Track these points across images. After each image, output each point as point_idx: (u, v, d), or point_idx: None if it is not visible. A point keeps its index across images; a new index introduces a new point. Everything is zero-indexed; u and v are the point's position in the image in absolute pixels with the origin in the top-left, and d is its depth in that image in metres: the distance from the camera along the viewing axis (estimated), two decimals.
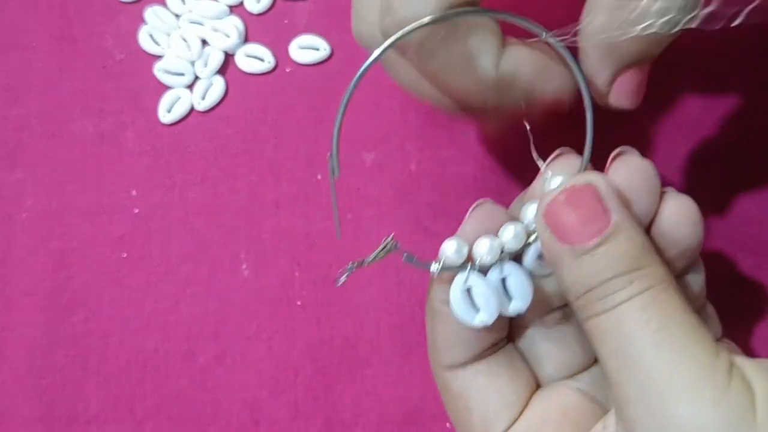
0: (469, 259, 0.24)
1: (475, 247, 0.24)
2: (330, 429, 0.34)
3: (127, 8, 0.42)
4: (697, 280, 0.27)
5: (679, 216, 0.24)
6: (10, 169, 0.39)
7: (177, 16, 0.41)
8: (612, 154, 0.25)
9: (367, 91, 0.39)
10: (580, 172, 0.24)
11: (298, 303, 0.36)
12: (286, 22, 0.41)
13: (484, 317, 0.24)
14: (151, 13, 0.41)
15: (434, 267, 0.24)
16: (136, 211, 0.38)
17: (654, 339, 0.20)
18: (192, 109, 0.40)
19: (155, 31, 0.41)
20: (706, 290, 0.28)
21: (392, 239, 0.25)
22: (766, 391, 0.20)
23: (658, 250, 0.24)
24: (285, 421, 0.34)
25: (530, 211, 0.24)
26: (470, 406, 0.25)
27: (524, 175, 0.37)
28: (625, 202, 0.23)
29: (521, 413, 0.25)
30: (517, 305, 0.24)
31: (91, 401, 0.35)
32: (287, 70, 0.40)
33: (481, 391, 0.25)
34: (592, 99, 0.25)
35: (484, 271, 0.24)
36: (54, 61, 0.41)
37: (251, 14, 0.41)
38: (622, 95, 0.25)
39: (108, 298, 0.37)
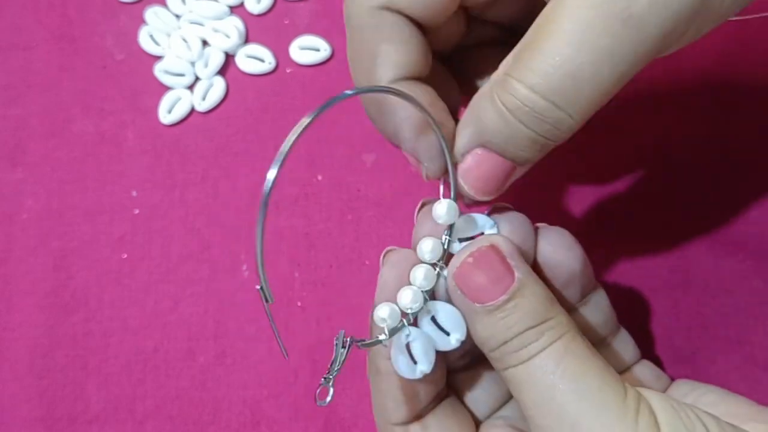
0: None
1: (399, 301, 0.25)
2: (330, 429, 0.34)
3: (127, 8, 0.42)
4: (600, 305, 0.28)
5: (554, 245, 0.26)
6: (10, 169, 0.39)
7: (177, 16, 0.41)
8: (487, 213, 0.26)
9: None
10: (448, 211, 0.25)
11: (298, 303, 0.36)
12: (286, 22, 0.41)
13: (424, 367, 0.25)
14: (151, 13, 0.41)
15: (384, 339, 0.25)
16: (137, 211, 0.38)
17: (573, 388, 0.22)
18: (192, 110, 0.40)
19: (155, 32, 0.41)
20: (615, 316, 0.29)
21: (343, 336, 0.25)
22: (669, 422, 0.21)
23: (547, 282, 0.26)
24: (285, 422, 0.34)
25: (425, 246, 0.25)
26: None
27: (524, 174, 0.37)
28: (523, 259, 0.24)
29: None
30: (456, 336, 0.25)
31: (92, 401, 0.35)
32: (288, 70, 0.40)
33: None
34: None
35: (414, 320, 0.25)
36: (54, 61, 0.41)
37: (252, 15, 0.41)
38: (469, 175, 0.24)
39: (108, 298, 0.37)
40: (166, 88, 0.40)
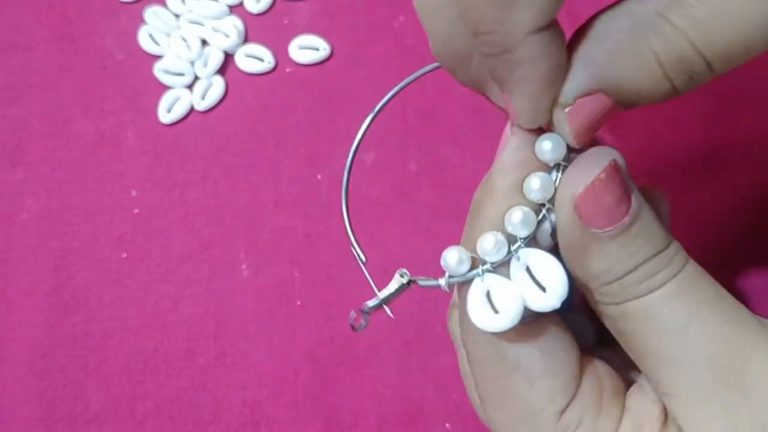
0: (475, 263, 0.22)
1: (479, 244, 0.21)
2: (329, 429, 0.34)
3: (127, 8, 0.42)
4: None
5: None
6: (10, 169, 0.39)
7: (177, 16, 0.41)
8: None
9: (367, 91, 0.39)
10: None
11: (298, 303, 0.36)
12: (285, 22, 0.41)
13: (506, 322, 0.21)
14: (151, 13, 0.41)
15: (443, 282, 0.22)
16: (136, 211, 0.38)
17: (712, 319, 0.19)
18: (192, 109, 0.40)
19: (155, 31, 0.41)
20: None
21: (405, 275, 0.23)
22: None
23: None
24: (285, 422, 0.34)
25: (534, 184, 0.21)
26: (533, 377, 0.22)
27: None
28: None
29: (581, 383, 0.22)
30: (557, 294, 0.21)
31: (92, 401, 0.35)
32: (287, 70, 0.40)
33: (546, 359, 0.22)
34: None
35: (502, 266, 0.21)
36: (54, 61, 0.41)
37: (251, 14, 0.41)
38: (573, 119, 0.20)
39: (108, 298, 0.37)
40: (166, 88, 0.40)
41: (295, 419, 0.34)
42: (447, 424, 0.34)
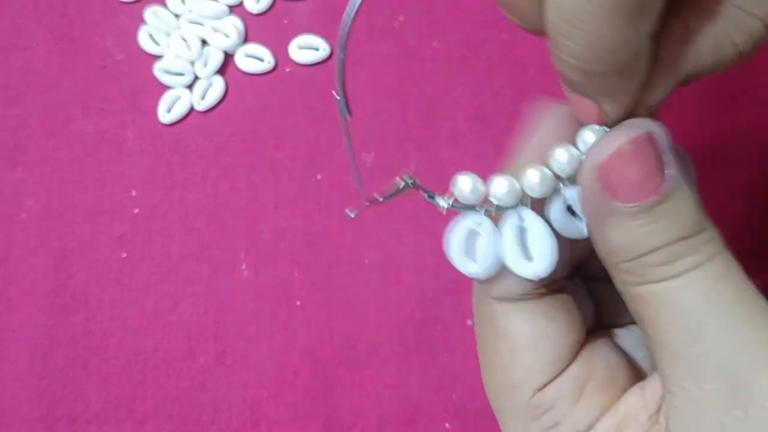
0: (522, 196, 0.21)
1: (524, 180, 0.20)
2: (330, 429, 0.34)
3: (127, 8, 0.42)
4: None
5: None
6: (10, 169, 0.39)
7: (177, 16, 0.41)
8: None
9: (367, 91, 0.39)
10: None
11: (298, 303, 0.36)
12: (285, 22, 0.41)
13: (541, 267, 0.20)
14: (150, 13, 0.41)
15: (443, 202, 0.21)
16: (136, 211, 0.38)
17: (735, 315, 0.18)
18: (192, 109, 0.40)
19: (155, 31, 0.41)
20: None
21: (410, 176, 0.21)
22: None
23: None
24: (285, 422, 0.34)
25: (586, 137, 0.20)
26: (516, 350, 0.21)
27: None
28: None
29: (567, 367, 0.22)
30: (537, 268, 0.20)
31: (92, 401, 0.35)
32: (287, 70, 0.40)
33: (535, 335, 0.21)
34: None
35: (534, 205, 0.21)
36: (54, 61, 0.41)
37: (251, 14, 0.41)
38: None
39: (108, 298, 0.37)
40: (166, 88, 0.40)
41: (294, 419, 0.34)
42: (447, 424, 0.34)
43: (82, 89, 0.40)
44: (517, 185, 0.20)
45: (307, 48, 0.40)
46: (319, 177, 0.38)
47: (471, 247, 0.21)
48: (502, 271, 0.21)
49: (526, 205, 0.20)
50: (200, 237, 0.37)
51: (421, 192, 0.21)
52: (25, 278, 0.37)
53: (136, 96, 0.40)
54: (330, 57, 0.40)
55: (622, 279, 0.20)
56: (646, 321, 0.19)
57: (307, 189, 0.38)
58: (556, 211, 0.21)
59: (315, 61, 0.40)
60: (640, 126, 0.19)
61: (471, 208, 0.21)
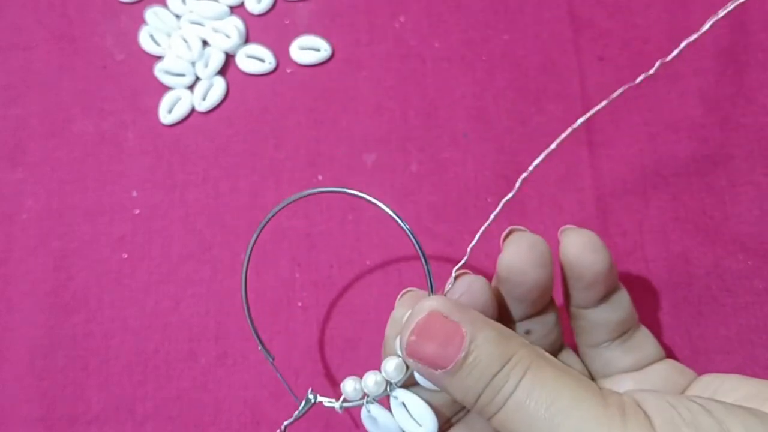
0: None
1: (363, 381, 0.27)
2: (330, 430, 0.34)
3: (127, 8, 0.42)
4: (621, 303, 0.28)
5: (579, 247, 0.26)
6: (10, 169, 0.39)
7: (177, 16, 0.41)
8: (503, 234, 0.27)
9: (368, 91, 0.39)
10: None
11: (299, 304, 0.36)
12: (286, 22, 0.41)
13: (431, 428, 0.26)
14: (151, 13, 0.41)
15: (337, 405, 0.27)
16: (137, 211, 0.38)
17: (550, 414, 0.22)
18: (193, 110, 0.39)
19: (156, 32, 0.41)
20: (636, 314, 0.29)
21: (311, 393, 0.29)
22: (666, 419, 0.21)
23: (569, 283, 0.27)
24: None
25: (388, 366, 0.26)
26: None
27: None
28: (467, 308, 0.24)
29: None
30: (427, 430, 0.26)
31: (92, 402, 0.35)
32: (288, 70, 0.40)
33: None
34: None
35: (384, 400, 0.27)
36: (54, 61, 0.41)
37: (252, 15, 0.41)
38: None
39: (109, 299, 0.37)
40: (167, 88, 0.40)
41: (296, 420, 0.34)
42: None
43: (83, 89, 0.40)
44: (380, 378, 0.26)
45: (308, 49, 0.40)
46: (320, 177, 0.38)
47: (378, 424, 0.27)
48: None
49: (396, 388, 0.26)
50: (201, 237, 0.37)
51: (321, 404, 0.28)
52: (26, 279, 0.37)
53: (136, 96, 0.40)
54: (331, 58, 0.40)
55: (480, 415, 0.24)
56: None
57: (308, 189, 0.38)
58: (418, 378, 0.26)
59: (316, 62, 0.40)
60: (421, 309, 0.24)
61: (360, 403, 0.27)
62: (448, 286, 0.26)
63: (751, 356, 0.33)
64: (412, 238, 0.26)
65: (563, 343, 0.30)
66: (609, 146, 0.37)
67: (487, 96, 0.38)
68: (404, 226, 0.26)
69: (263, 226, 0.28)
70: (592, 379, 0.29)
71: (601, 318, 0.28)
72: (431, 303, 0.24)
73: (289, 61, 0.40)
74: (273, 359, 0.30)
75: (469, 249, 0.27)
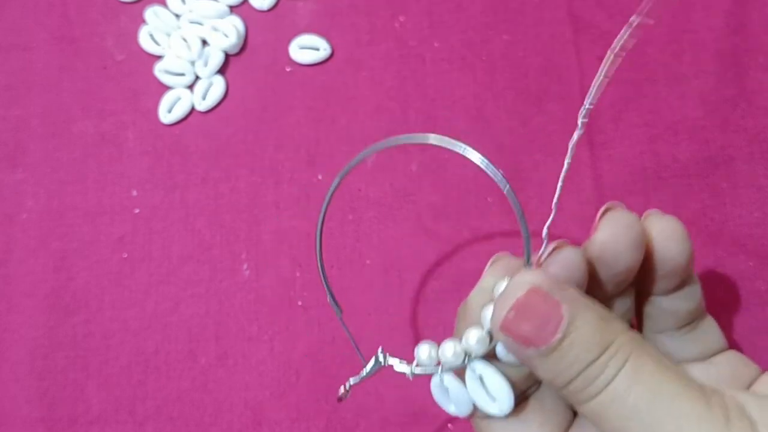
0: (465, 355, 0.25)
1: (466, 341, 0.25)
2: (331, 430, 0.34)
3: (127, 8, 0.42)
4: (693, 295, 0.27)
5: (667, 236, 0.25)
6: (10, 169, 0.39)
7: (177, 16, 0.41)
8: (600, 212, 0.25)
9: (367, 91, 0.39)
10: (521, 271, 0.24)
11: (299, 303, 0.36)
12: (286, 21, 0.41)
13: (505, 405, 0.25)
14: (151, 13, 0.41)
15: (409, 370, 0.26)
16: (137, 211, 0.38)
17: (650, 410, 0.21)
18: (192, 110, 0.39)
19: (155, 31, 0.40)
20: (704, 303, 0.28)
21: (381, 353, 0.27)
22: (766, 420, 0.20)
23: (647, 268, 0.25)
24: (286, 422, 0.34)
25: (488, 314, 0.25)
26: None
27: (525, 175, 0.37)
28: (569, 286, 0.23)
29: None
30: (501, 407, 0.24)
31: (92, 402, 0.35)
32: (288, 69, 0.40)
33: None
34: None
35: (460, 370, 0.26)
36: (54, 61, 0.41)
37: (252, 15, 0.41)
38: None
39: (109, 299, 0.37)
40: (166, 88, 0.40)
41: (297, 420, 0.34)
42: (449, 425, 0.34)
43: (83, 90, 0.40)
44: (460, 348, 0.25)
45: (308, 48, 0.40)
46: (320, 177, 0.38)
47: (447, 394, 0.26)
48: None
49: (474, 360, 0.25)
50: (201, 237, 0.37)
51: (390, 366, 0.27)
52: (26, 279, 0.37)
53: (136, 96, 0.40)
54: (331, 57, 0.40)
55: (567, 399, 0.23)
56: (600, 429, 0.22)
57: (308, 189, 0.38)
58: (500, 352, 0.25)
59: (316, 61, 0.40)
60: (521, 284, 0.22)
61: (433, 371, 0.26)
62: (542, 255, 0.24)
63: (752, 358, 0.33)
64: (511, 197, 0.24)
65: (633, 324, 0.28)
66: (609, 147, 0.37)
67: (487, 96, 0.38)
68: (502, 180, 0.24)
69: (343, 175, 0.27)
70: None
71: (671, 306, 0.27)
72: (532, 278, 0.23)
73: (289, 60, 0.40)
74: (341, 312, 0.28)
75: (554, 204, 0.25)
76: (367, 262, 0.36)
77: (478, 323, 0.25)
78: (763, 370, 0.28)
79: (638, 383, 0.21)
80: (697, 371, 0.27)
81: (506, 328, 0.22)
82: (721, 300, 0.34)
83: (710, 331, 0.28)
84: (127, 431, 0.35)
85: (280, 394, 0.35)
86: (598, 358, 0.21)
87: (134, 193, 0.38)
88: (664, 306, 0.27)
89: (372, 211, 0.37)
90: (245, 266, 0.37)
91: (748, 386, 0.27)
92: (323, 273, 0.27)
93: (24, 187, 0.39)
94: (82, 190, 0.38)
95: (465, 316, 0.26)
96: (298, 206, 0.37)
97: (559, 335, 0.21)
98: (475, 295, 0.26)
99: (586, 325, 0.22)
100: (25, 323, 0.36)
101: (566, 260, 0.24)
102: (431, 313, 0.35)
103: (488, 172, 0.24)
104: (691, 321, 0.28)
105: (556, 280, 0.23)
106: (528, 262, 0.24)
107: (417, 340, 0.35)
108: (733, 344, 0.34)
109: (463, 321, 0.26)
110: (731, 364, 0.27)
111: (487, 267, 0.26)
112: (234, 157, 0.39)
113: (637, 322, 0.29)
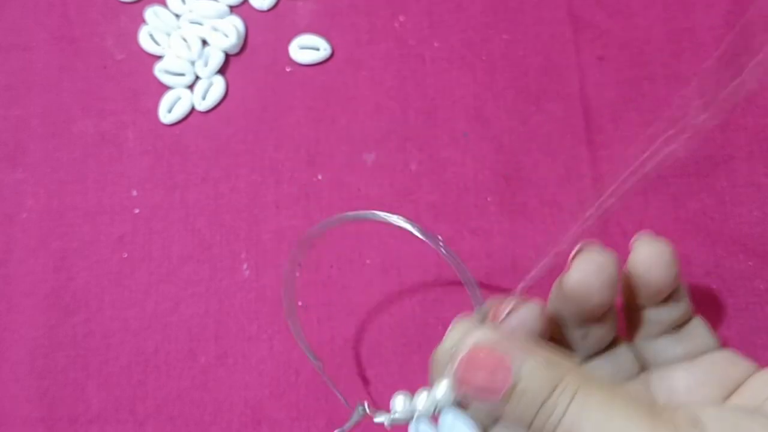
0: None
1: (436, 391, 0.27)
2: (332, 429, 0.34)
3: (127, 8, 0.42)
4: (680, 306, 0.28)
5: (651, 262, 0.26)
6: (10, 169, 0.39)
7: (177, 16, 0.41)
8: (573, 251, 0.26)
9: (367, 91, 0.39)
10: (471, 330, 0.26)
11: (299, 303, 0.36)
12: (287, 21, 0.41)
13: None
14: (151, 13, 0.41)
15: (387, 420, 0.28)
16: (137, 211, 0.38)
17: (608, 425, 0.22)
18: (192, 110, 0.39)
19: (155, 31, 0.41)
20: (692, 306, 0.28)
21: (361, 405, 0.29)
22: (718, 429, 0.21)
23: (633, 285, 0.27)
24: (286, 422, 0.34)
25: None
26: None
27: (524, 174, 0.37)
28: (512, 338, 0.25)
29: None
30: None
31: (93, 402, 0.35)
32: (288, 69, 0.40)
33: None
34: None
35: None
36: (54, 61, 0.41)
37: (252, 14, 0.41)
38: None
39: (109, 299, 0.37)
40: (167, 88, 0.40)
41: (296, 419, 0.34)
42: None
43: (83, 89, 0.40)
44: (431, 398, 0.27)
45: (308, 48, 0.40)
46: (319, 177, 0.38)
47: None
48: None
49: (445, 407, 0.27)
50: (201, 237, 0.37)
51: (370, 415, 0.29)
52: (26, 279, 0.37)
53: (136, 96, 0.40)
54: (331, 57, 0.40)
55: None
56: None
57: (308, 189, 0.38)
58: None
59: (316, 61, 0.40)
60: (467, 343, 0.24)
61: (408, 418, 0.28)
62: (503, 312, 0.27)
63: (752, 357, 0.33)
64: (458, 267, 0.27)
65: (617, 336, 0.29)
66: (609, 146, 0.37)
67: (487, 96, 0.38)
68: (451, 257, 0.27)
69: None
70: (644, 368, 0.29)
71: (658, 317, 0.28)
72: (479, 335, 0.25)
73: (289, 60, 0.40)
74: (322, 366, 0.32)
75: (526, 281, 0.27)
76: (367, 261, 0.36)
77: (447, 374, 0.26)
78: (760, 368, 0.28)
79: (588, 413, 0.22)
80: (683, 371, 0.28)
81: (462, 381, 0.24)
82: (720, 299, 0.34)
83: (697, 331, 0.29)
84: (127, 430, 0.35)
85: (279, 393, 0.35)
86: (549, 397, 0.23)
87: (134, 193, 0.38)
88: (651, 317, 0.28)
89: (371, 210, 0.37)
90: (245, 266, 0.37)
91: (738, 385, 0.27)
92: (301, 337, 0.30)
93: (24, 187, 0.39)
94: (82, 190, 0.39)
95: (435, 367, 0.28)
96: (298, 206, 0.37)
97: (509, 383, 0.23)
98: (439, 355, 0.27)
99: (533, 371, 0.23)
100: (25, 323, 0.37)
101: (522, 315, 0.26)
102: (431, 313, 0.35)
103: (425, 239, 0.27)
104: (678, 326, 0.28)
105: (501, 334, 0.25)
106: (480, 321, 0.27)
107: (418, 340, 0.35)
108: (732, 344, 0.34)
109: (435, 371, 0.28)
110: (719, 363, 0.28)
111: (447, 330, 0.28)
112: (234, 156, 0.39)
113: (625, 329, 0.29)
